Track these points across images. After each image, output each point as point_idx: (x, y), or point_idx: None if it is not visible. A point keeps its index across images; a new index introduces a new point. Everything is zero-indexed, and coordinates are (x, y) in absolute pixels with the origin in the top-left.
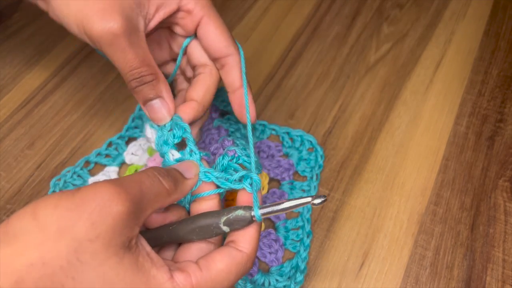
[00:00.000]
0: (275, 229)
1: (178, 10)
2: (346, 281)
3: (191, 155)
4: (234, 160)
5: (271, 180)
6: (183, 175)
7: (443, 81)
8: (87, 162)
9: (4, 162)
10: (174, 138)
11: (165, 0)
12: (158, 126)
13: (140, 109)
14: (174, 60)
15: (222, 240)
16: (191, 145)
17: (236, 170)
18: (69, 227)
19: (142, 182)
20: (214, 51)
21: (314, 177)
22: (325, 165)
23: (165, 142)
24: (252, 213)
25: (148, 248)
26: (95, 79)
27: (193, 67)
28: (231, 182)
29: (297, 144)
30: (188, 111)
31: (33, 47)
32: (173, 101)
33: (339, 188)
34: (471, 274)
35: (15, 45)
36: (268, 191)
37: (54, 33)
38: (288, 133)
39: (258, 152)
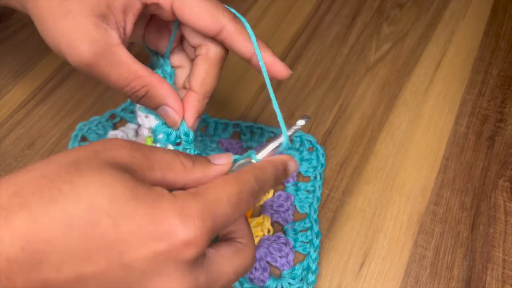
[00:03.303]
0: (284, 232)
1: (145, 5)
2: (346, 281)
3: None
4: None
5: None
6: (209, 160)
7: (443, 81)
8: (113, 115)
9: (4, 162)
10: (176, 138)
11: (127, 1)
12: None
13: None
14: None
15: None
16: (186, 145)
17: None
18: (72, 152)
19: (156, 148)
20: (203, 31)
21: (318, 177)
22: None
23: (167, 134)
24: (252, 160)
25: None
26: (95, 79)
27: (193, 49)
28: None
29: (297, 145)
30: (190, 114)
31: (33, 47)
32: (180, 103)
33: (339, 188)
34: (471, 274)
35: (15, 45)
36: (273, 195)
37: None
38: None
39: None
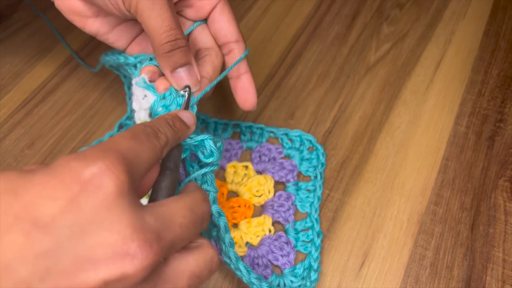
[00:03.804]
0: (285, 231)
1: None
2: (346, 281)
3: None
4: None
5: (276, 183)
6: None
7: (443, 81)
8: (121, 126)
9: (4, 162)
10: (177, 105)
11: None
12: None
13: (129, 88)
14: None
15: None
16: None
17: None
18: None
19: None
20: (225, 35)
21: (318, 176)
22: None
23: (166, 106)
24: None
25: None
26: (95, 79)
27: (197, 51)
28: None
29: (297, 145)
30: (202, 86)
31: (33, 47)
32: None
33: (339, 188)
34: (471, 274)
35: (15, 45)
36: (274, 194)
37: (54, 33)
38: (286, 134)
39: (259, 156)
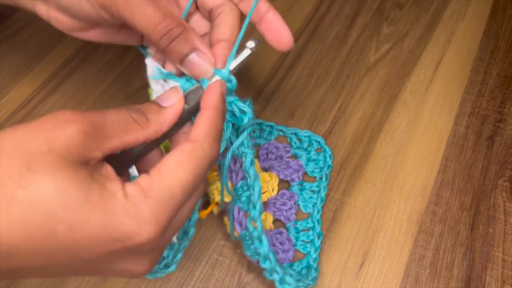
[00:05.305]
0: (286, 229)
1: None
2: (346, 280)
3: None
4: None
5: (281, 181)
6: (159, 104)
7: (443, 81)
8: None
9: None
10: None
11: None
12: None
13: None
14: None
15: None
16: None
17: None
18: (23, 143)
19: (107, 112)
20: None
21: (324, 178)
22: None
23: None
24: (203, 85)
25: (110, 170)
26: (95, 79)
27: (209, 12)
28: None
29: (305, 145)
30: (223, 52)
31: (33, 48)
32: (210, 50)
33: (339, 188)
34: (470, 274)
35: (15, 45)
36: (278, 193)
37: (54, 33)
38: (295, 134)
39: (266, 153)
